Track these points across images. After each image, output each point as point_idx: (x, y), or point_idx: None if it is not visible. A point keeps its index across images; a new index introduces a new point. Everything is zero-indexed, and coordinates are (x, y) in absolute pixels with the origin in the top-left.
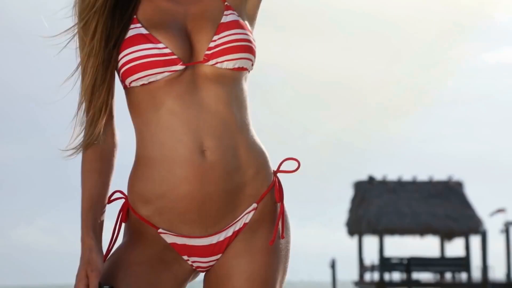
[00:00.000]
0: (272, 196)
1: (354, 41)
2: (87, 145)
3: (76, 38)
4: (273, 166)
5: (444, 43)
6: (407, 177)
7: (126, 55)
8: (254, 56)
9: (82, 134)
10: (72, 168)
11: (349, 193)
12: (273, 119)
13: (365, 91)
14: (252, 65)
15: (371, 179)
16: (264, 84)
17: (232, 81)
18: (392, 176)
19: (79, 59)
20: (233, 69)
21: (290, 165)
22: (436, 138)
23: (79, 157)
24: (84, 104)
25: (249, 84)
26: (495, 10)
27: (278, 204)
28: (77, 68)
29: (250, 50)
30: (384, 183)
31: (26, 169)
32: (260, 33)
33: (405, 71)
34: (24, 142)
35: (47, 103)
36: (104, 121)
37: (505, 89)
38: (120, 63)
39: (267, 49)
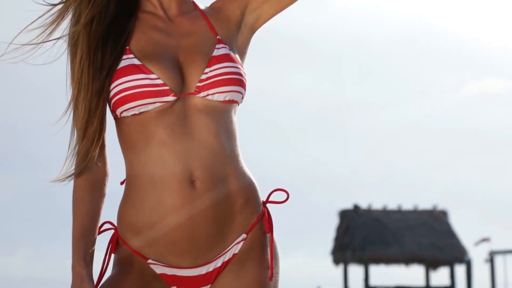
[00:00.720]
0: (261, 226)
1: (338, 69)
2: (79, 174)
3: (68, 68)
4: (262, 196)
5: (428, 72)
6: (392, 206)
7: (118, 85)
8: (245, 89)
9: (74, 162)
10: (58, 197)
11: (334, 221)
12: (260, 148)
13: (349, 119)
14: (242, 98)
15: (356, 207)
16: (252, 111)
17: (222, 113)
18: (377, 205)
19: (71, 90)
20: (224, 101)
21: (279, 196)
22: (420, 166)
23: (67, 186)
24: (76, 133)
25: (240, 113)
26: (479, 39)
27: (268, 235)
28: (71, 102)
29: (240, 83)
30: (369, 212)
31: (8, 197)
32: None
33: (390, 100)
34: (9, 173)
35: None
36: (97, 150)
37: (489, 119)
38: (111, 93)
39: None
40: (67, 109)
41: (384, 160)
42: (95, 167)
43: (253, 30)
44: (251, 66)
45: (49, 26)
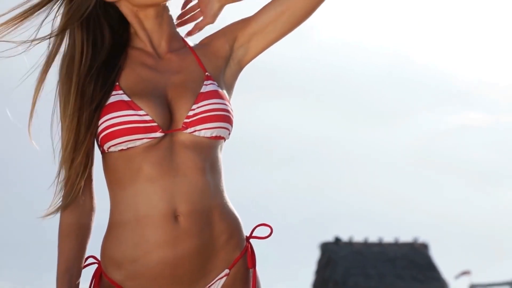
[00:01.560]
0: (244, 262)
1: (317, 102)
2: (65, 206)
3: (57, 101)
4: (246, 231)
5: (407, 105)
6: (373, 238)
7: (107, 120)
8: (231, 126)
9: (61, 195)
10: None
11: (315, 254)
12: (241, 181)
13: (329, 151)
14: (229, 134)
15: (337, 240)
16: (233, 143)
17: (208, 149)
18: (358, 238)
19: (59, 123)
20: (210, 137)
21: (262, 231)
22: (401, 199)
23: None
24: (63, 166)
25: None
26: (458, 73)
27: (250, 270)
28: (59, 139)
29: (227, 119)
30: (350, 244)
31: None
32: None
33: (368, 133)
34: None
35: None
36: (82, 182)
37: (468, 152)
38: (100, 128)
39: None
40: (56, 143)
41: (364, 193)
42: (82, 201)
43: (241, 65)
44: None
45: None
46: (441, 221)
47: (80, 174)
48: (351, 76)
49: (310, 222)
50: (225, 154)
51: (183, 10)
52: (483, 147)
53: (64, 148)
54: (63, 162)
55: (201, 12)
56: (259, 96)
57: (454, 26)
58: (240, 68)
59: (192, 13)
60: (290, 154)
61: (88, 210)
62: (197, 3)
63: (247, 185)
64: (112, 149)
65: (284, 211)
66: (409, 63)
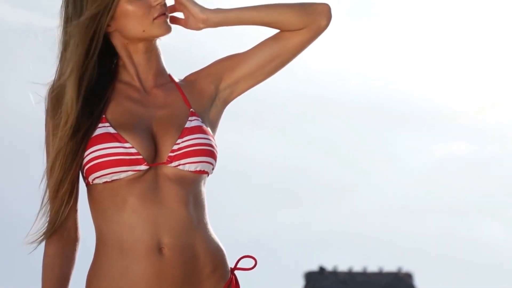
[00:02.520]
0: None
1: (303, 132)
2: (49, 236)
3: (44, 130)
4: (231, 263)
5: (390, 135)
6: (357, 267)
7: (93, 152)
8: (215, 161)
9: (45, 225)
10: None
11: (300, 284)
12: (226, 212)
13: (315, 182)
14: (213, 169)
15: (322, 269)
16: (219, 174)
17: (192, 183)
18: (342, 267)
19: (45, 153)
20: (194, 171)
21: (247, 263)
22: (385, 228)
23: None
24: (48, 195)
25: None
26: (443, 104)
27: None
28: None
29: (211, 154)
30: (334, 273)
31: None
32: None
33: (355, 163)
34: None
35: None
36: (66, 212)
37: (453, 181)
38: (85, 160)
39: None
40: (43, 178)
41: (348, 222)
42: (66, 232)
43: (226, 104)
44: (219, 128)
45: None
46: (426, 250)
47: (64, 203)
48: (334, 105)
49: (294, 251)
50: (212, 185)
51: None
52: (467, 176)
53: (50, 176)
54: (48, 190)
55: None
56: (242, 126)
57: (438, 56)
58: (225, 106)
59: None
60: (274, 184)
61: (73, 241)
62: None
63: (231, 216)
64: (96, 181)
65: (268, 240)
66: (396, 94)
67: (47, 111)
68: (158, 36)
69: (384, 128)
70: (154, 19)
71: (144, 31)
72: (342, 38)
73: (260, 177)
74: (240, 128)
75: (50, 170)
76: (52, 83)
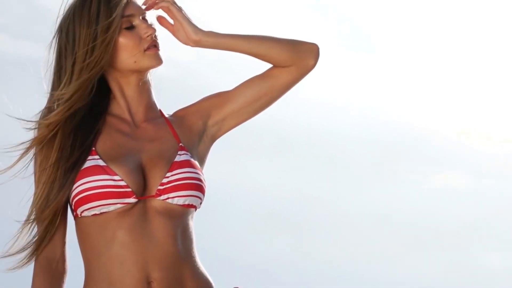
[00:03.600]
0: None
1: (301, 161)
2: (28, 262)
3: (32, 161)
4: None
5: (388, 166)
6: None
7: (82, 185)
8: (203, 195)
9: (26, 251)
10: None
11: None
12: (218, 242)
13: (312, 212)
14: (201, 203)
15: None
16: (215, 204)
17: (180, 217)
18: None
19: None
20: (183, 205)
21: None
22: (379, 260)
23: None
24: (36, 225)
25: (206, 206)
26: (440, 133)
27: None
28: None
29: (199, 188)
30: None
31: None
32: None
33: (352, 193)
34: None
35: None
36: (47, 240)
37: (450, 213)
38: (74, 192)
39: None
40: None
41: (344, 253)
42: (55, 263)
43: (213, 140)
44: (216, 158)
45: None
46: (422, 284)
47: (47, 232)
48: (331, 135)
49: (292, 280)
50: (210, 213)
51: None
52: (465, 208)
53: (35, 205)
54: (33, 217)
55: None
56: (239, 156)
57: (434, 88)
58: (213, 141)
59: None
60: (271, 212)
61: (61, 274)
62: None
63: (229, 244)
64: (85, 213)
65: (265, 268)
66: (392, 124)
67: (43, 143)
68: (149, 68)
69: (381, 158)
70: (145, 50)
71: (135, 62)
72: (338, 69)
73: (257, 206)
74: (237, 158)
75: (37, 199)
76: (43, 113)
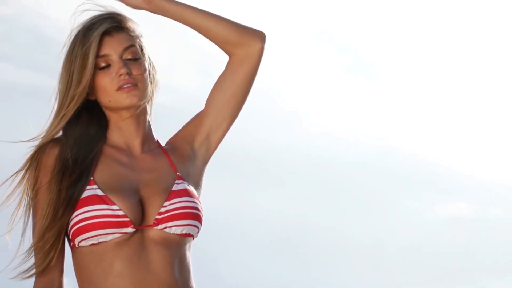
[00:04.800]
0: None
1: (303, 190)
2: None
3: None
4: None
5: (394, 195)
6: None
7: (80, 214)
8: (201, 224)
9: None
10: None
11: None
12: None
13: (315, 241)
14: (198, 232)
15: None
16: (218, 231)
17: (177, 246)
18: None
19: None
20: (180, 234)
21: None
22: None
23: None
24: (31, 246)
25: (209, 232)
26: (443, 163)
27: None
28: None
29: (197, 217)
30: None
31: None
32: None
33: (356, 222)
34: None
35: None
36: (46, 267)
37: (455, 243)
38: (72, 222)
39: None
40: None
41: (349, 280)
42: None
43: (206, 160)
44: (217, 186)
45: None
46: None
47: (45, 261)
48: (336, 163)
49: None
50: (217, 241)
51: None
52: (470, 238)
53: (33, 231)
54: (32, 244)
55: None
56: (247, 184)
57: (439, 117)
58: (205, 163)
59: None
60: (277, 240)
61: None
62: None
63: (234, 271)
64: (83, 243)
65: None
66: (396, 153)
67: (37, 165)
68: (122, 108)
69: (385, 188)
70: (117, 90)
71: (109, 101)
72: (342, 97)
73: (264, 233)
74: (245, 187)
75: (35, 229)
76: (43, 140)
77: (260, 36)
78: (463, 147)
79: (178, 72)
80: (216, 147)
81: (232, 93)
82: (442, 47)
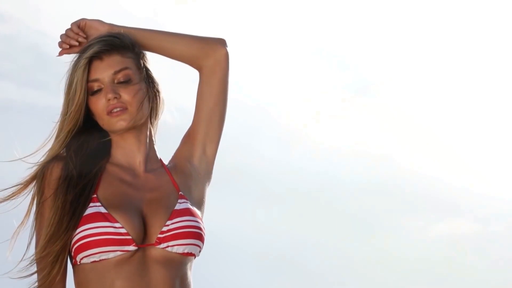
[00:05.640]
0: None
1: (304, 208)
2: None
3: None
4: None
5: (393, 213)
6: None
7: (83, 231)
8: (203, 243)
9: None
10: None
11: None
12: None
13: (314, 258)
14: (200, 251)
15: None
16: (223, 249)
17: (179, 265)
18: None
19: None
20: (182, 253)
21: None
22: None
23: None
24: (34, 262)
25: (211, 250)
26: (444, 180)
27: None
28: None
29: (199, 236)
30: None
31: None
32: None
33: (354, 240)
34: None
35: None
36: (51, 276)
37: (455, 261)
38: (75, 238)
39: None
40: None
41: None
42: None
43: (209, 175)
44: (217, 204)
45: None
46: None
47: (47, 277)
48: (337, 181)
49: None
50: (219, 259)
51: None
52: (471, 256)
53: (36, 246)
54: (34, 259)
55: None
56: (249, 203)
57: (440, 135)
58: (209, 179)
59: (76, 42)
60: (278, 258)
61: None
62: (82, 31)
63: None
64: (85, 260)
65: None
66: (396, 170)
67: (42, 180)
68: (113, 131)
69: (385, 205)
70: (107, 114)
71: (103, 124)
72: (342, 114)
73: (266, 251)
74: (247, 206)
75: (38, 245)
76: (46, 158)
77: (221, 42)
78: (463, 165)
79: (182, 89)
80: (214, 159)
81: (214, 102)
82: (441, 64)
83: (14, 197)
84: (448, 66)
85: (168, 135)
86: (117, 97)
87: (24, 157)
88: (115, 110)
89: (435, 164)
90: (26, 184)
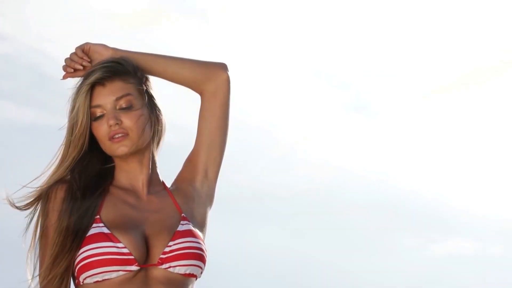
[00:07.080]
0: None
1: (302, 226)
2: None
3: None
4: None
5: (392, 232)
6: None
7: (86, 251)
8: (204, 264)
9: None
10: None
11: None
12: None
13: (314, 277)
14: (201, 272)
15: None
16: (223, 269)
17: (180, 286)
18: None
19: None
20: (184, 274)
21: None
22: None
23: None
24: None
25: (214, 271)
26: (443, 200)
27: None
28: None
29: (201, 258)
30: None
31: None
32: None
33: (354, 259)
34: None
35: None
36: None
37: (455, 281)
38: (78, 259)
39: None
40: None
41: None
42: None
43: (211, 199)
44: (218, 224)
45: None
46: None
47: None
48: (337, 201)
49: None
50: (221, 277)
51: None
52: (471, 275)
53: (40, 270)
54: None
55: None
56: (251, 222)
57: (438, 154)
58: (211, 201)
59: (81, 66)
60: (280, 277)
61: None
62: (87, 55)
63: None
64: (88, 280)
65: None
66: (395, 190)
67: (47, 203)
68: (115, 156)
69: (384, 225)
70: (108, 140)
71: (105, 150)
72: (341, 134)
73: (267, 270)
74: (248, 225)
75: (42, 266)
76: (50, 181)
77: (223, 67)
78: (462, 185)
79: (184, 110)
80: (215, 181)
81: (215, 125)
82: (441, 84)
83: (27, 208)
84: (447, 88)
85: (170, 155)
86: (119, 123)
87: (28, 183)
88: (116, 136)
89: (434, 184)
90: (31, 203)
